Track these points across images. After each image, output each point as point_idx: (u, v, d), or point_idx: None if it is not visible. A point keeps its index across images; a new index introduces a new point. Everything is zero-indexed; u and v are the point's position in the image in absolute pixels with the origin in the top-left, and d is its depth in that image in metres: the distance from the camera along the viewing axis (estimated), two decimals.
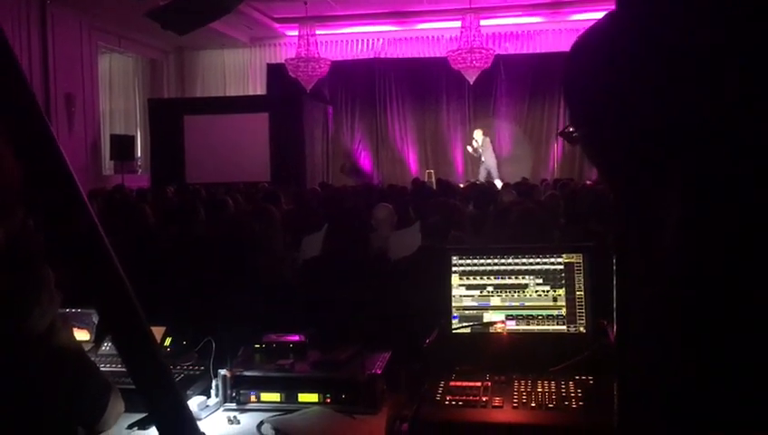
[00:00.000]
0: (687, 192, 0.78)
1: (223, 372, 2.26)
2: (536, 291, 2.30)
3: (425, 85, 17.71)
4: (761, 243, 0.73)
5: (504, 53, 16.80)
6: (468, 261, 2.35)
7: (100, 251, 0.71)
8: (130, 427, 2.07)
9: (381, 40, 18.14)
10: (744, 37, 0.76)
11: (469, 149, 16.76)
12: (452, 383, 2.03)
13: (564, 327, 2.27)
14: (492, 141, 16.80)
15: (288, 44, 17.81)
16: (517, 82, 17.27)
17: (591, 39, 0.90)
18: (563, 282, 2.29)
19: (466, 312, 2.33)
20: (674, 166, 0.80)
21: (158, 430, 0.80)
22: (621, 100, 0.84)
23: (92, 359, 2.21)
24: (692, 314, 0.75)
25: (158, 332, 2.51)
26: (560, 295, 2.29)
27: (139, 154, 17.44)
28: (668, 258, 0.78)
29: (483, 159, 16.48)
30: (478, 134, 16.67)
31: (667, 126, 0.80)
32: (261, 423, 2.12)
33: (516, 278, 2.32)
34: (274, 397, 2.25)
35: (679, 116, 0.80)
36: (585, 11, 15.74)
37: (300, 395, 2.23)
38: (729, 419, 0.73)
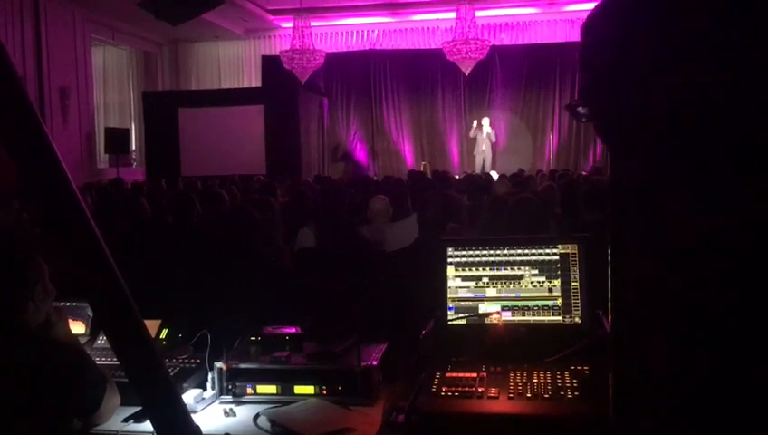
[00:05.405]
0: (703, 170, 0.75)
1: (219, 364, 2.26)
2: (531, 282, 2.31)
3: (420, 77, 17.67)
4: None
5: (500, 44, 16.77)
6: (464, 252, 2.35)
7: (91, 245, 0.71)
8: (126, 420, 2.07)
9: (376, 31, 18.09)
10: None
11: (474, 124, 16.70)
12: (448, 374, 2.04)
13: (560, 318, 2.27)
14: (489, 133, 16.78)
15: (283, 36, 17.75)
16: (512, 73, 17.24)
17: (610, 5, 0.84)
18: (559, 273, 2.29)
19: (462, 303, 2.33)
20: (692, 143, 0.76)
21: (152, 423, 0.80)
22: (640, 73, 0.79)
23: (88, 352, 2.22)
24: (697, 302, 0.74)
25: (153, 325, 2.51)
26: (555, 286, 2.29)
27: (133, 147, 17.40)
28: (676, 244, 0.76)
29: (483, 147, 16.43)
30: (486, 121, 16.61)
31: (687, 101, 0.76)
32: (257, 416, 2.13)
33: (512, 269, 2.33)
34: (271, 389, 2.25)
35: (699, 92, 0.75)
36: (580, 1, 15.73)
37: (296, 387, 2.23)
38: (731, 410, 0.72)
